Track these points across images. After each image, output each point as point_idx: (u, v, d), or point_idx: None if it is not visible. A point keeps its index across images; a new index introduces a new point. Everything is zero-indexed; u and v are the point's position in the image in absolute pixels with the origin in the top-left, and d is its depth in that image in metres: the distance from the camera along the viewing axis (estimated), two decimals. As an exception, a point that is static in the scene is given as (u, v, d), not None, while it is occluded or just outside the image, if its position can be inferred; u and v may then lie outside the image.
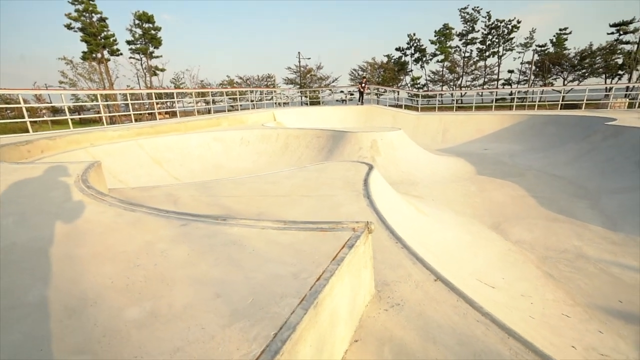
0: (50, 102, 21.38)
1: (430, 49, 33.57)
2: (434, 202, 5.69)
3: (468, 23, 31.60)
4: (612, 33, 26.79)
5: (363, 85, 17.92)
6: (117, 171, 7.70)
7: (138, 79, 31.89)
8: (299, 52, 32.45)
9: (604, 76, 26.71)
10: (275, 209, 2.69)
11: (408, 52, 34.55)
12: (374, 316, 1.37)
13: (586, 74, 26.29)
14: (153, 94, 10.71)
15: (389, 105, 18.24)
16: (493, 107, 15.37)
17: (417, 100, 20.31)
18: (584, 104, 13.77)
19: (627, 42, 25.89)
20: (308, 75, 33.37)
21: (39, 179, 2.67)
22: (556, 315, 2.74)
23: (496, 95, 16.78)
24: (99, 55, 26.53)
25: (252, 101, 17.27)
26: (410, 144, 8.87)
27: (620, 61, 25.38)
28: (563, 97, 14.69)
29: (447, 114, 15.44)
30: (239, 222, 1.42)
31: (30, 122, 8.06)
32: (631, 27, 25.56)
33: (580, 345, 2.34)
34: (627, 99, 16.84)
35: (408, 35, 33.95)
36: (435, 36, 32.72)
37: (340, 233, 1.30)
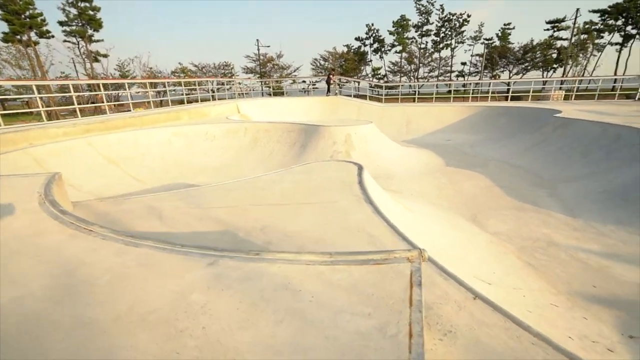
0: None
1: (389, 39, 34.32)
2: (413, 197, 5.84)
3: (423, 15, 32.73)
4: (548, 29, 29.55)
5: (331, 76, 17.82)
6: (66, 175, 6.80)
7: (75, 66, 28.53)
8: (257, 40, 31.22)
9: (541, 70, 29.50)
10: (279, 221, 2.51)
11: (367, 42, 34.97)
12: (432, 349, 1.29)
13: (528, 67, 28.83)
14: (100, 85, 9.55)
15: (353, 96, 18.35)
16: (452, 98, 16.16)
17: (378, 91, 20.71)
18: (530, 96, 15.02)
19: (561, 39, 28.72)
20: (268, 65, 32.33)
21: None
22: (546, 305, 2.94)
23: (452, 87, 17.62)
24: (25, 37, 23.12)
25: (212, 92, 16.32)
26: (382, 137, 9.00)
27: (555, 55, 28.15)
28: (509, 89, 15.86)
29: (409, 105, 15.92)
30: (277, 257, 1.25)
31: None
32: (564, 24, 28.36)
33: (574, 335, 2.53)
34: (563, 91, 18.73)
35: (367, 25, 34.33)
36: (393, 27, 33.44)
37: (397, 266, 1.20)
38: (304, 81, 26.28)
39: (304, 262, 1.22)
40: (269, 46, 32.06)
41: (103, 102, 9.94)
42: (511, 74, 29.28)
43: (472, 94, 16.38)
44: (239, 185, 3.47)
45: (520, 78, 27.83)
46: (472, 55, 33.32)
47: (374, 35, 34.28)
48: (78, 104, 9.32)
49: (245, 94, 19.89)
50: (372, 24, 34.12)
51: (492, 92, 15.75)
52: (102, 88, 9.93)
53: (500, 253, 3.92)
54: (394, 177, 7.04)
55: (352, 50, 34.84)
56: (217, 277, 1.16)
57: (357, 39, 35.07)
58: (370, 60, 35.67)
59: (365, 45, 34.87)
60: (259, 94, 21.50)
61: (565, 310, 2.90)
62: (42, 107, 8.82)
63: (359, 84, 32.36)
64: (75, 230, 1.59)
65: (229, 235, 2.34)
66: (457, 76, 32.92)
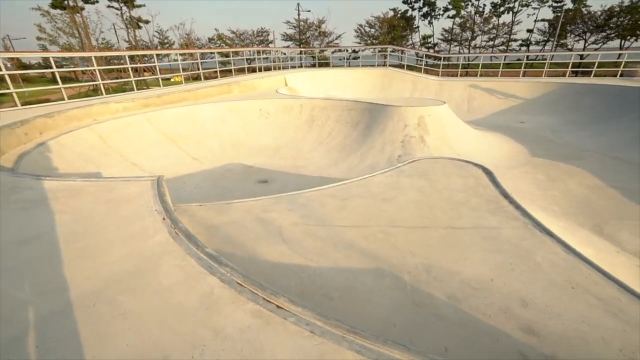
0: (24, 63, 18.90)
1: (441, 3, 31.06)
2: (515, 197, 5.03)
3: (482, -27, 28.94)
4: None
5: None
6: (128, 152, 6.69)
7: (115, 32, 28.70)
8: (298, 4, 29.38)
9: (626, 38, 25.04)
10: (440, 256, 1.94)
11: (416, 5, 31.87)
12: None
13: (611, 35, 24.73)
14: (154, 55, 9.21)
15: (405, 67, 16.84)
16: (522, 72, 14.29)
17: (430, 62, 18.89)
18: (619, 72, 12.87)
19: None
20: (309, 32, 30.65)
21: (111, 224, 1.78)
22: None
23: (526, 59, 15.47)
24: (72, 3, 23.24)
25: (248, 60, 15.63)
26: (457, 120, 8.02)
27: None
28: (581, 62, 13.59)
29: (471, 80, 14.30)
30: None
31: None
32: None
33: None
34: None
35: (416, -14, 31.11)
36: (447, -12, 30.04)
37: None
38: (346, 50, 24.57)
39: None
40: (309, 11, 30.15)
41: (155, 74, 9.67)
42: (587, 44, 25.44)
43: (542, 67, 14.37)
44: (350, 191, 2.91)
45: (599, 48, 24.09)
46: (535, 21, 29.41)
47: (423, -3, 31.08)
48: (125, 75, 9.07)
49: (290, 63, 18.81)
50: (422, -16, 30.89)
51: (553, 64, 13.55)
52: (155, 58, 9.61)
53: (660, 286, 3.15)
54: (480, 169, 6.18)
55: (398, 14, 31.98)
56: None
57: (404, 1, 32.04)
58: (418, 27, 32.70)
59: (413, 9, 31.83)
60: (298, 65, 20.37)
61: None
62: (100, 79, 8.63)
63: (402, 53, 29.70)
64: (254, 302, 1.09)
65: (391, 279, 1.80)
66: (521, 45, 29.28)
